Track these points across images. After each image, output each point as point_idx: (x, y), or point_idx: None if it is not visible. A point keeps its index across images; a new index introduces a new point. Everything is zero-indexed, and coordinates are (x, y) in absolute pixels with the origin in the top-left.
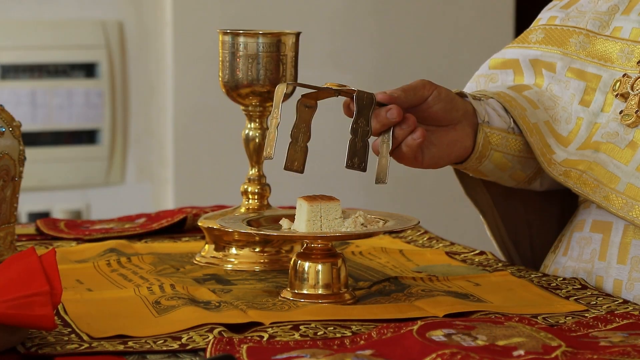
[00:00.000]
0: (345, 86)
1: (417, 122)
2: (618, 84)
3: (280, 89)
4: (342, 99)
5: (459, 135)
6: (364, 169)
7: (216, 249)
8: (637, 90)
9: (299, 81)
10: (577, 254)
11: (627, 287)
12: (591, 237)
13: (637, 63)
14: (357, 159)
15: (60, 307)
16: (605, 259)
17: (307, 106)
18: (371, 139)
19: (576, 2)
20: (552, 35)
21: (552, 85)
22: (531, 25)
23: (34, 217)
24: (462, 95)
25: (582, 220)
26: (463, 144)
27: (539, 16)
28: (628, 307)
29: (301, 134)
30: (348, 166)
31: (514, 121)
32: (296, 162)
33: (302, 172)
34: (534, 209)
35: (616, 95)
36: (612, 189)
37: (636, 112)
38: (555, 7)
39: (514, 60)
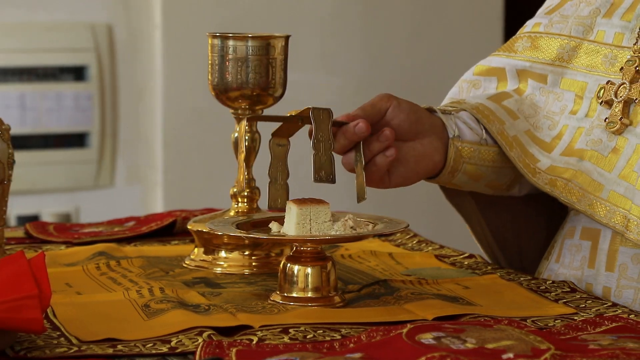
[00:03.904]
0: (293, 112)
1: None
2: (602, 91)
3: (242, 125)
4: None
5: (427, 150)
6: (332, 181)
7: (205, 252)
8: (621, 97)
9: (287, 86)
10: (568, 261)
11: (616, 294)
12: (581, 244)
13: (620, 70)
14: (324, 172)
15: (49, 310)
16: (594, 266)
17: (280, 145)
18: (337, 154)
19: (559, 8)
20: (538, 44)
21: (534, 94)
22: (517, 33)
23: (23, 220)
24: (431, 110)
25: (573, 227)
26: (432, 159)
27: (525, 23)
28: (617, 310)
29: (279, 172)
30: (316, 180)
31: (487, 131)
32: (279, 199)
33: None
34: (520, 214)
35: (600, 103)
36: (596, 197)
37: (620, 120)
38: (540, 14)
39: (499, 68)
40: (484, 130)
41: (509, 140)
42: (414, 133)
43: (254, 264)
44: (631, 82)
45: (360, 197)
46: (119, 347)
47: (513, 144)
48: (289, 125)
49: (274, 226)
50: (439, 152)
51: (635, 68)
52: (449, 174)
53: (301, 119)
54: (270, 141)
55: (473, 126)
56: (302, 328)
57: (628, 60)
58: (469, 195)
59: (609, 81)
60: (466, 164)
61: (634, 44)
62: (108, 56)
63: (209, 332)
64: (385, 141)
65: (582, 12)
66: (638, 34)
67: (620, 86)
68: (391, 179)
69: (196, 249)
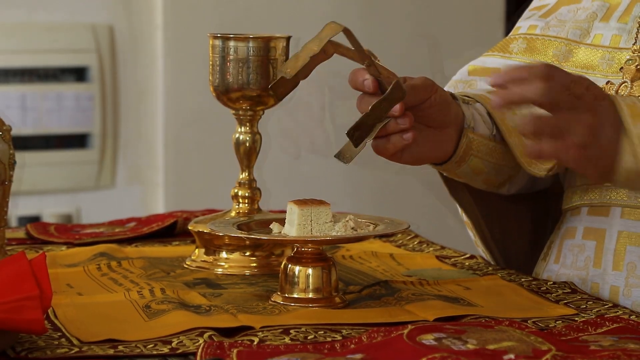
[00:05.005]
0: (378, 61)
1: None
2: None
3: (330, 28)
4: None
5: (444, 140)
6: (357, 145)
7: (206, 253)
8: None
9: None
10: (570, 262)
11: (625, 293)
12: (584, 244)
13: (620, 69)
14: (358, 133)
15: (50, 311)
16: (601, 266)
17: (325, 52)
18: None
19: (555, 11)
20: (534, 46)
21: None
22: (511, 34)
23: (24, 221)
24: (453, 97)
25: (573, 227)
26: (445, 148)
27: (518, 24)
28: (618, 311)
29: (303, 69)
30: (348, 133)
31: (496, 127)
32: (281, 88)
33: (279, 100)
34: (509, 213)
35: None
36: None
37: None
38: (534, 16)
39: (495, 69)
40: (494, 126)
41: (509, 128)
42: (439, 122)
43: (255, 264)
44: (632, 80)
45: (342, 157)
46: (120, 347)
47: (512, 133)
48: (351, 51)
49: (274, 227)
50: (453, 142)
51: (636, 67)
52: (456, 164)
53: (370, 63)
54: (326, 44)
55: (486, 119)
56: (303, 329)
57: (628, 60)
58: (464, 187)
59: (608, 81)
60: (473, 157)
61: (633, 44)
62: (109, 57)
63: (210, 332)
64: (402, 126)
65: (579, 17)
66: (636, 35)
67: (621, 85)
68: (403, 155)
69: (197, 250)
